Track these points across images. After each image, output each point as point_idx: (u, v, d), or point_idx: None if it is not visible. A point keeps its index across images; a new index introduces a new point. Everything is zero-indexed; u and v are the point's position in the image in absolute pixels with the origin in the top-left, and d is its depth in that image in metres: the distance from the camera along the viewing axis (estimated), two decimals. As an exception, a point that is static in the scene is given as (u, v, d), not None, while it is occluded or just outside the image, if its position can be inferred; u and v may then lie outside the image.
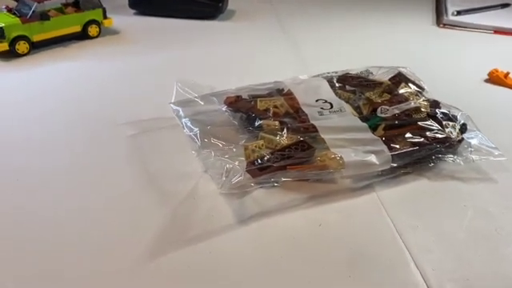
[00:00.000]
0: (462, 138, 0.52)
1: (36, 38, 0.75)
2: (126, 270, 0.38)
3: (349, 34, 0.91)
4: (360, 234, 0.42)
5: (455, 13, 0.99)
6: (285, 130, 0.51)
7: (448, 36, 0.92)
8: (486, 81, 0.73)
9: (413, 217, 0.44)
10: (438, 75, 0.74)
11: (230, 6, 1.00)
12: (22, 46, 0.74)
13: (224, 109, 0.56)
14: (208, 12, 0.95)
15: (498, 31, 0.94)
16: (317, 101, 0.56)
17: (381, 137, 0.50)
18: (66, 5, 0.81)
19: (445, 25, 0.97)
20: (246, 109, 0.56)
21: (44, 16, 0.75)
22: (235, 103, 0.57)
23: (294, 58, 0.79)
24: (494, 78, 0.72)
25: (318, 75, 0.63)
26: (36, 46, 0.76)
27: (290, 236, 0.42)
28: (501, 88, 0.71)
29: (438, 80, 0.72)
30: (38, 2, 0.74)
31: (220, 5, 0.94)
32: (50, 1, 0.77)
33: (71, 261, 0.39)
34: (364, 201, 0.46)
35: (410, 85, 0.59)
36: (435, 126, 0.51)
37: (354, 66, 0.65)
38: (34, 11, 0.74)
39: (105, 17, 0.84)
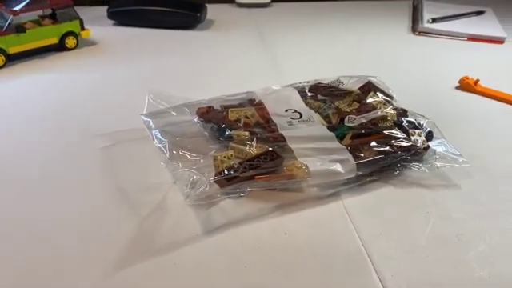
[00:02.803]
0: (428, 146, 0.53)
1: (12, 50, 0.76)
2: (90, 283, 0.38)
3: (325, 43, 0.92)
4: (324, 242, 0.43)
5: (430, 20, 1.01)
6: (254, 140, 0.52)
7: (423, 43, 0.94)
8: (457, 88, 0.75)
9: (376, 224, 0.45)
10: (411, 83, 0.76)
11: (210, 15, 1.01)
12: (-3, 59, 0.74)
13: (196, 120, 0.57)
14: (186, 22, 0.96)
15: (472, 38, 0.96)
16: (287, 111, 0.57)
17: (347, 146, 0.51)
18: (42, 17, 0.81)
19: (420, 32, 0.99)
20: (217, 119, 0.56)
21: (20, 28, 0.75)
22: (207, 114, 0.57)
23: (271, 68, 0.80)
24: (465, 85, 0.74)
25: (290, 85, 0.64)
26: (12, 59, 0.76)
27: (255, 245, 0.42)
28: (470, 95, 0.73)
29: (410, 88, 0.73)
30: (14, 15, 0.75)
31: (198, 15, 0.95)
32: (27, 13, 0.77)
33: (34, 272, 0.39)
34: (329, 209, 0.47)
35: (379, 94, 0.61)
36: (401, 134, 0.53)
37: (329, 75, 0.66)
38: (9, 23, 0.74)
39: (82, 28, 0.84)
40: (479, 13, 1.07)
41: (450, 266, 0.41)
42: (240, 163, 0.48)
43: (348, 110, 0.57)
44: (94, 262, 0.40)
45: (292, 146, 0.51)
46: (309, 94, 0.62)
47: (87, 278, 0.39)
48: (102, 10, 0.97)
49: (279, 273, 0.40)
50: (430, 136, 0.55)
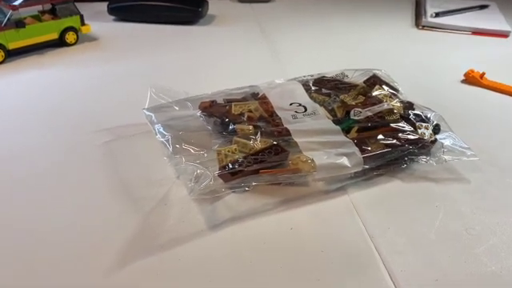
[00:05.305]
0: (435, 139, 0.52)
1: (12, 45, 0.75)
2: (93, 279, 0.37)
3: (328, 38, 0.91)
4: (331, 237, 0.42)
5: (434, 15, 1.00)
6: (258, 134, 0.51)
7: (426, 38, 0.93)
8: (463, 81, 0.74)
9: (384, 219, 0.44)
10: (416, 76, 0.75)
11: (211, 11, 1.00)
12: (-3, 54, 0.73)
13: (199, 114, 0.56)
14: (188, 17, 0.95)
15: (476, 32, 0.95)
16: (291, 104, 0.56)
17: (353, 139, 0.50)
18: (42, 12, 0.80)
19: (424, 27, 0.98)
20: (220, 113, 0.55)
21: (19, 24, 0.74)
22: (210, 108, 0.57)
23: (273, 62, 0.79)
24: (470, 79, 0.73)
25: (294, 79, 0.63)
26: (12, 54, 0.75)
27: (260, 240, 0.42)
28: (476, 88, 0.72)
29: (415, 81, 0.72)
30: (14, 10, 0.74)
31: (199, 10, 0.94)
32: (26, 8, 0.76)
33: (40, 269, 0.38)
34: (336, 203, 0.46)
35: (384, 87, 0.60)
36: (408, 127, 0.52)
37: (333, 69, 0.65)
38: (9, 19, 0.73)
39: (82, 23, 0.83)
40: (483, 7, 1.06)
41: (461, 260, 0.40)
42: (244, 157, 0.48)
43: (353, 103, 0.56)
44: (98, 258, 0.39)
45: (297, 139, 0.50)
46: (313, 88, 0.61)
47: (90, 274, 0.38)
48: (103, 6, 0.96)
49: (285, 268, 0.39)
50: (437, 129, 0.54)
